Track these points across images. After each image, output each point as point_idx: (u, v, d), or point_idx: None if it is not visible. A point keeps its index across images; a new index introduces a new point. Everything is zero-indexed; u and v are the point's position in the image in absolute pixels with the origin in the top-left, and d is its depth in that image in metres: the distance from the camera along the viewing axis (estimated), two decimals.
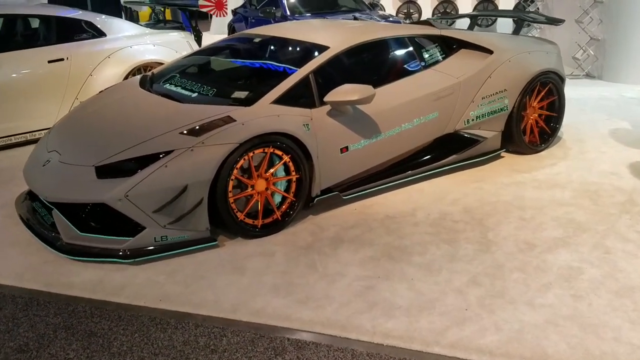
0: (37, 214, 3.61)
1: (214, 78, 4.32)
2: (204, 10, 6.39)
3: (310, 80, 3.78)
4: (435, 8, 13.20)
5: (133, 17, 11.45)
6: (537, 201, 3.96)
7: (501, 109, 4.60)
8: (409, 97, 4.14)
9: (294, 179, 3.61)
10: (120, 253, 3.18)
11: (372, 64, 4.37)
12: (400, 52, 4.44)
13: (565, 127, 5.53)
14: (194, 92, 3.89)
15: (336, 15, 8.83)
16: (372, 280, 3.02)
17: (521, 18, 5.37)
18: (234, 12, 11.15)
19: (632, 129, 5.56)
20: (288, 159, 3.54)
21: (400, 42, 4.43)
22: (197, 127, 3.34)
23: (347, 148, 3.83)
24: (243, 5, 11.03)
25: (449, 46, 4.65)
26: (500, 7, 12.93)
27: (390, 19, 8.89)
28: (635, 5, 7.42)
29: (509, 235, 3.49)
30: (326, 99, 3.68)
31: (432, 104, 4.25)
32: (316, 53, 3.96)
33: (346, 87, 3.70)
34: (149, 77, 4.37)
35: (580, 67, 8.13)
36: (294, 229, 3.62)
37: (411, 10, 13.35)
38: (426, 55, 4.47)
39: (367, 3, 10.13)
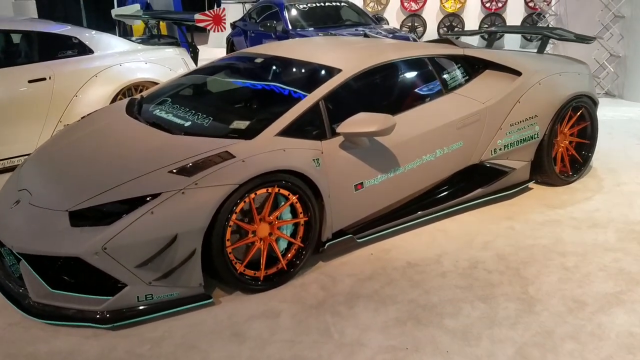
0: (4, 262, 3.11)
1: (211, 104, 3.81)
2: (201, 25, 5.93)
3: (320, 108, 3.30)
4: (441, 22, 12.80)
5: (127, 32, 10.99)
6: (579, 245, 3.47)
7: (531, 137, 4.12)
8: (431, 126, 3.66)
9: (302, 221, 3.12)
10: (98, 316, 2.67)
11: (389, 88, 3.90)
12: (419, 75, 3.96)
13: (595, 154, 5.05)
14: (187, 120, 3.41)
15: (340, 30, 8.38)
16: (398, 352, 2.51)
17: (546, 35, 4.91)
18: (233, 25, 10.71)
19: None
20: (295, 200, 3.05)
21: (420, 63, 3.95)
22: (190, 165, 2.85)
23: (362, 184, 3.35)
24: (242, 19, 10.59)
25: (473, 67, 4.19)
26: (508, 22, 12.53)
27: (398, 33, 8.45)
28: None
29: (553, 290, 2.99)
30: (339, 129, 3.20)
31: (455, 132, 3.78)
32: (327, 76, 3.49)
33: (362, 116, 3.22)
34: (138, 100, 3.88)
35: (599, 85, 7.68)
36: (302, 281, 3.12)
37: (416, 24, 12.95)
38: (448, 78, 4.00)
39: (372, 17, 9.72)
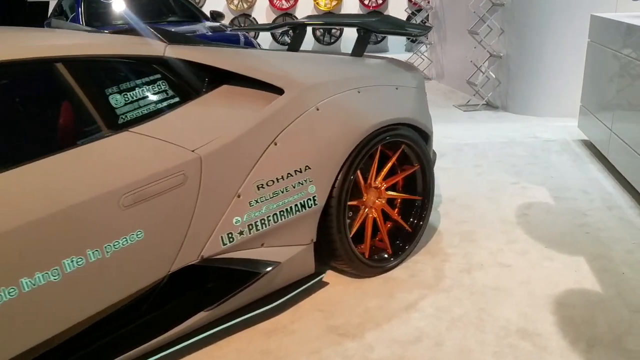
0: None
1: None
2: None
3: None
4: None
5: None
6: None
7: (303, 205, 2.27)
8: (55, 206, 1.70)
9: None
10: None
11: None
12: (39, 99, 1.98)
13: (447, 204, 3.33)
14: None
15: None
16: None
17: (365, 27, 3.01)
18: (48, 24, 8.46)
19: (555, 205, 3.40)
20: None
21: (44, 74, 1.96)
22: None
23: None
24: (53, 15, 8.33)
25: (197, 80, 2.28)
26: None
27: (227, 32, 6.50)
28: (547, 10, 5.44)
29: None
30: None
31: (121, 214, 1.84)
32: None
33: None
34: None
35: (478, 95, 6.08)
36: None
37: None
38: (118, 103, 2.04)
39: (213, 12, 7.76)
